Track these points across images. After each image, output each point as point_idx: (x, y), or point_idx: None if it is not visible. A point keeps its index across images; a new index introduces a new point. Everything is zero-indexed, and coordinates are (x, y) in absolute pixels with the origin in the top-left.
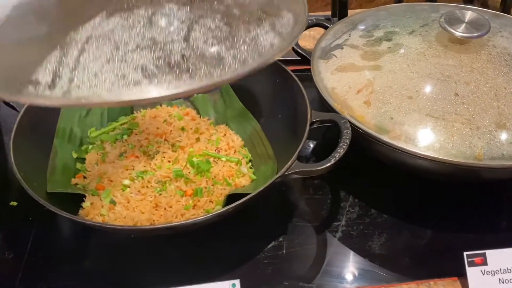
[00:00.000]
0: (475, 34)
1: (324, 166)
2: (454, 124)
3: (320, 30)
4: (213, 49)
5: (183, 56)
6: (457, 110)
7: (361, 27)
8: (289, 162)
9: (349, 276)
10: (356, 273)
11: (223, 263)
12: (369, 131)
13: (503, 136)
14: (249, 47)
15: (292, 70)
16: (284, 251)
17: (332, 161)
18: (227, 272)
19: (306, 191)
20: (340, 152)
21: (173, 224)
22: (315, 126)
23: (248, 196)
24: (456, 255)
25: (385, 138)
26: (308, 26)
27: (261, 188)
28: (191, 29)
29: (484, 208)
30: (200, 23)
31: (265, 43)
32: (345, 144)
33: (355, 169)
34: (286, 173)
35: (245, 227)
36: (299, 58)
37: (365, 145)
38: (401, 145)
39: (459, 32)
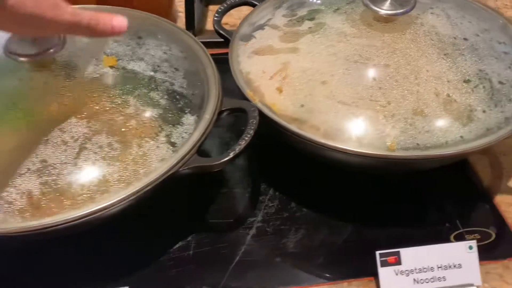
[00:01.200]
0: (399, 11)
1: (221, 161)
2: (367, 111)
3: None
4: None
5: None
6: (372, 95)
7: (287, 5)
8: (179, 156)
9: (256, 279)
10: (265, 275)
11: (118, 268)
12: (278, 120)
13: (419, 124)
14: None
15: (217, 54)
16: (191, 252)
17: (231, 155)
18: (124, 277)
19: (225, 184)
20: (241, 144)
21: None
22: (225, 114)
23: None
24: (374, 253)
25: (292, 127)
26: (235, 5)
27: (142, 185)
28: None
29: (409, 203)
30: None
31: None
32: (248, 136)
33: (278, 160)
34: (179, 170)
35: (149, 225)
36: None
37: (277, 135)
38: (308, 135)
39: (381, 9)
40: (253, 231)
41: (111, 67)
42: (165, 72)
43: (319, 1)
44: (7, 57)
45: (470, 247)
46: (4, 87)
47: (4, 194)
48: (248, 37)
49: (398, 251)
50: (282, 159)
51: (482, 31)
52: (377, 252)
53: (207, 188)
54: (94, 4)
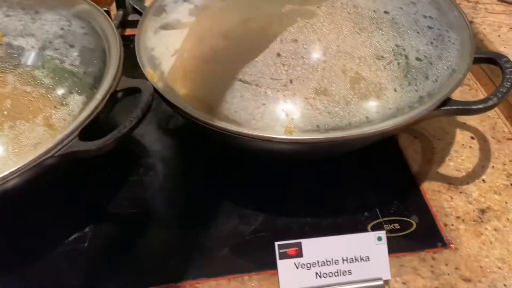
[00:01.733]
0: None
1: (99, 146)
2: (267, 90)
3: None
4: None
5: None
6: (274, 73)
7: None
8: (56, 140)
9: (154, 274)
10: (164, 269)
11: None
12: (172, 100)
13: (320, 104)
14: None
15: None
16: (86, 244)
17: (111, 139)
18: (10, 271)
19: (136, 171)
20: (126, 127)
21: None
22: (120, 95)
23: None
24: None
25: (187, 109)
26: None
27: (8, 172)
28: None
29: (328, 191)
30: None
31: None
32: (134, 118)
33: (191, 146)
34: (54, 155)
35: (42, 215)
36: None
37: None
38: (202, 117)
39: None
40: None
41: None
42: (57, 49)
43: None
44: None
45: (379, 238)
46: None
47: None
48: (160, 11)
49: (300, 242)
50: (195, 145)
51: (408, 4)
52: (276, 243)
53: (115, 174)
54: None
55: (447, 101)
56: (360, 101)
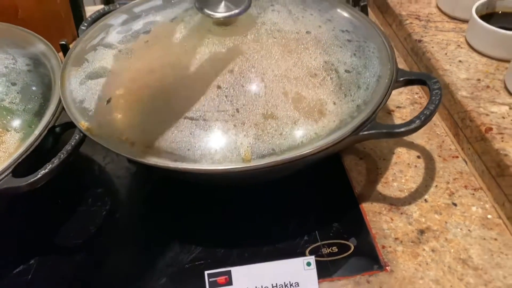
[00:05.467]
0: (234, 12)
1: (28, 182)
2: (216, 123)
3: None
4: None
5: None
6: (219, 106)
7: (121, 20)
8: None
9: None
10: None
11: None
12: (113, 148)
13: (272, 128)
14: None
15: None
16: (30, 276)
17: (39, 176)
18: None
19: (84, 201)
20: (55, 162)
21: None
22: (59, 129)
23: None
24: None
25: (137, 156)
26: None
27: None
28: None
29: (271, 215)
30: None
31: None
32: (64, 154)
33: (140, 177)
34: None
35: None
36: None
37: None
38: (154, 161)
39: (216, 12)
40: (98, 252)
41: None
42: None
43: (155, 13)
44: None
45: (308, 264)
46: None
47: None
48: (80, 62)
49: (229, 270)
50: (142, 178)
51: (325, 22)
52: (206, 272)
53: (63, 204)
54: None
55: (372, 124)
56: (306, 119)
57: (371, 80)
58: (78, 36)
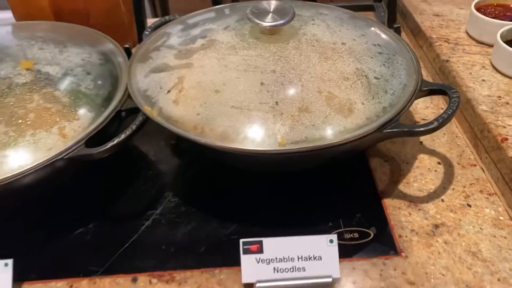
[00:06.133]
0: (279, 22)
1: (99, 151)
2: (258, 113)
3: None
4: None
5: None
6: (261, 99)
7: (180, 27)
8: (65, 146)
9: (143, 264)
10: (149, 260)
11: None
12: (173, 129)
13: (306, 120)
14: None
15: None
16: (89, 237)
17: (108, 146)
18: (20, 252)
19: (137, 181)
20: (121, 137)
21: None
22: (124, 114)
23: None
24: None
25: (189, 134)
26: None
27: (22, 170)
28: None
29: (301, 202)
30: None
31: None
32: (128, 131)
33: (188, 163)
34: (63, 157)
35: (58, 211)
36: None
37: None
38: (203, 140)
39: (264, 22)
40: (149, 222)
41: (27, 69)
42: (76, 75)
43: (210, 22)
44: None
45: (331, 241)
46: None
47: None
48: (145, 59)
49: (261, 240)
50: (191, 162)
51: (359, 36)
52: (241, 240)
53: (119, 182)
54: (52, 19)
55: (396, 124)
56: (336, 114)
57: (397, 87)
58: (138, 41)
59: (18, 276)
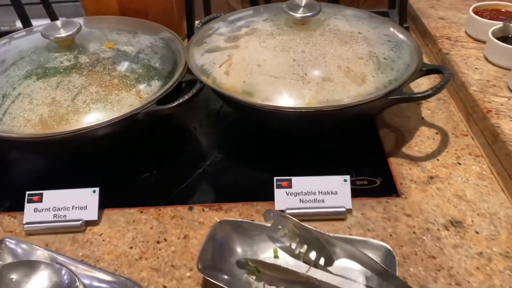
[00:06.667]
0: (309, 14)
1: (168, 107)
2: (291, 81)
3: None
4: None
5: None
6: (293, 71)
7: (227, 21)
8: (142, 103)
9: (193, 197)
10: (200, 195)
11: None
12: (225, 92)
13: (328, 87)
14: None
15: None
16: (153, 179)
17: (176, 103)
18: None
19: (190, 143)
20: (185, 97)
21: None
22: (184, 84)
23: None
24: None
25: (237, 96)
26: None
27: (112, 117)
28: None
29: (324, 158)
30: None
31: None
32: (190, 94)
33: (233, 128)
34: (140, 112)
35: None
36: None
37: (228, 104)
38: (247, 100)
39: (296, 13)
40: (200, 170)
41: (110, 48)
42: (147, 54)
43: (251, 16)
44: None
45: (345, 180)
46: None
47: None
48: (200, 43)
49: (290, 178)
50: (231, 127)
51: (373, 28)
52: (275, 178)
53: (177, 143)
54: (118, 15)
55: (399, 93)
56: (352, 83)
57: (401, 66)
58: (187, 35)
59: (100, 204)
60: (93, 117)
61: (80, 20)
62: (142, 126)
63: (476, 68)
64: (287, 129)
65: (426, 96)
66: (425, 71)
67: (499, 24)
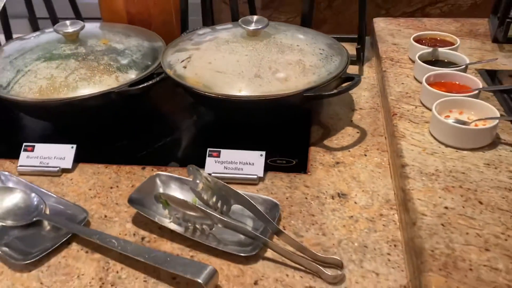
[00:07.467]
0: (256, 27)
1: (134, 88)
2: (230, 75)
3: None
4: None
5: None
6: (234, 69)
7: (202, 31)
8: (117, 85)
9: (149, 160)
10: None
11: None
12: (178, 80)
13: (257, 81)
14: None
15: None
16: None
17: (140, 86)
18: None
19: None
20: (149, 82)
21: None
22: (155, 76)
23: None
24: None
25: (187, 84)
26: None
27: (89, 93)
28: None
29: (257, 142)
30: None
31: (105, 84)
32: (154, 80)
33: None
34: (113, 91)
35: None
36: None
37: (184, 90)
38: (195, 87)
39: (248, 27)
40: (160, 143)
41: (104, 44)
42: (131, 51)
43: (217, 30)
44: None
45: (261, 155)
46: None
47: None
48: (175, 45)
49: (220, 150)
50: (197, 116)
51: (312, 43)
52: (208, 149)
53: (154, 123)
54: (126, 23)
55: (315, 91)
56: (276, 81)
57: (323, 73)
58: None
59: (76, 158)
60: (79, 91)
61: (95, 24)
62: (117, 103)
63: (402, 83)
64: (226, 113)
65: (333, 94)
66: (344, 78)
67: (427, 49)
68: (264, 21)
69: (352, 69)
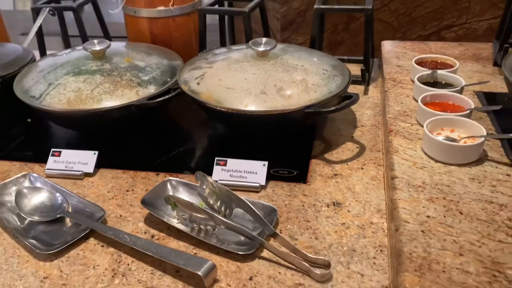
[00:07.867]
0: (265, 49)
1: (155, 101)
2: (238, 92)
3: None
4: None
5: None
6: (244, 86)
7: (218, 51)
8: (138, 98)
9: (164, 167)
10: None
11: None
12: (192, 95)
13: (262, 97)
14: None
15: None
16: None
17: (157, 100)
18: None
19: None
20: (165, 97)
21: None
22: (173, 90)
23: (110, 106)
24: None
25: (200, 98)
26: None
27: (113, 105)
28: None
29: (265, 154)
30: None
31: (127, 98)
32: (171, 94)
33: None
34: (134, 104)
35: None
36: None
37: (196, 103)
38: (207, 102)
39: (257, 48)
40: (174, 152)
41: (127, 61)
42: (152, 68)
43: (230, 50)
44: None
45: (264, 165)
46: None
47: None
48: (191, 64)
49: (226, 160)
50: (210, 129)
51: (317, 63)
52: (216, 158)
53: (169, 135)
54: (149, 43)
55: (315, 108)
56: (280, 98)
57: (325, 92)
58: None
59: (98, 164)
60: (103, 104)
61: (121, 43)
62: (137, 115)
63: (401, 103)
64: (234, 126)
65: (331, 111)
66: (343, 97)
67: (426, 71)
68: (272, 43)
69: (359, 89)
